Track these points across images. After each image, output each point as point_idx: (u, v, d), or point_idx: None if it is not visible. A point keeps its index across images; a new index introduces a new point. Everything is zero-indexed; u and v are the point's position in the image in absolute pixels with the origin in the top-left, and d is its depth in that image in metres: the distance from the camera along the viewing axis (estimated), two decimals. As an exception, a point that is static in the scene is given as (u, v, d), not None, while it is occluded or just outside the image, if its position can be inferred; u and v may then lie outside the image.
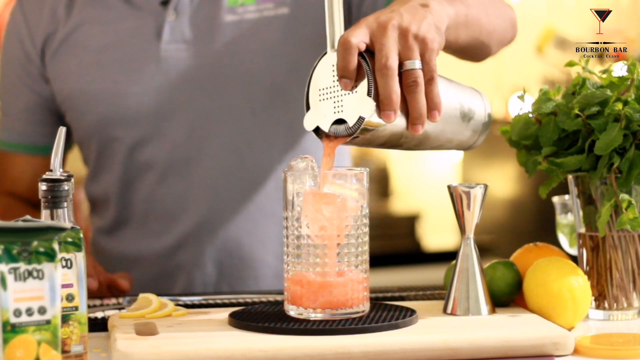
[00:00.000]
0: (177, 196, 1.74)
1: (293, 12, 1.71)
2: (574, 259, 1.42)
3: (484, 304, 1.31)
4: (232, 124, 1.72)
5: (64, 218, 1.17)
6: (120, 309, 1.41)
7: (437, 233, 4.48)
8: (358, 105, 1.22)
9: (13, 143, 1.82)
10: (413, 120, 1.24)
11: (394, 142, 1.29)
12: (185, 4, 1.71)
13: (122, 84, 1.72)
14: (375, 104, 1.21)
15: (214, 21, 1.71)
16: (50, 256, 1.04)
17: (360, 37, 1.22)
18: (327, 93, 1.25)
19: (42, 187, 1.16)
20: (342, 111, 1.23)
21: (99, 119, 1.74)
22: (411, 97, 1.23)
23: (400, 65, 1.23)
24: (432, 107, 1.25)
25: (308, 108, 1.26)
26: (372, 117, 1.21)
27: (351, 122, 1.22)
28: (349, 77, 1.22)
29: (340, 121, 1.24)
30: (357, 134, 1.23)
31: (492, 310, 1.32)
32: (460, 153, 4.56)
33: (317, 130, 1.25)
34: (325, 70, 1.24)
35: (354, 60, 1.22)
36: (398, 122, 1.24)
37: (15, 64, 1.80)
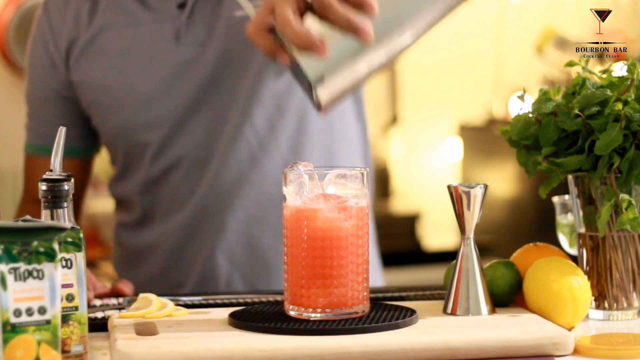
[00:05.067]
0: (196, 192, 1.75)
1: None
2: (574, 259, 1.42)
3: (484, 304, 1.31)
4: (246, 116, 1.73)
5: (64, 218, 1.17)
6: (120, 309, 1.41)
7: (437, 233, 4.47)
8: (302, 72, 1.20)
9: (40, 146, 1.83)
10: (354, 33, 1.17)
11: (385, 62, 1.21)
12: (200, 6, 1.73)
13: (143, 88, 1.74)
14: (304, 62, 1.17)
15: (226, 19, 1.72)
16: (50, 256, 1.04)
17: (259, 19, 1.21)
18: (294, 72, 1.25)
19: (42, 187, 1.16)
20: (307, 82, 1.20)
21: (123, 124, 1.76)
22: (330, 16, 1.17)
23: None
24: (359, 3, 1.17)
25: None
26: (315, 72, 1.18)
27: (314, 87, 1.19)
28: (277, 56, 1.21)
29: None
30: (330, 92, 1.19)
31: (492, 310, 1.32)
32: (460, 153, 4.56)
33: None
34: None
35: (266, 43, 1.21)
36: (352, 49, 1.17)
37: (41, 68, 1.81)
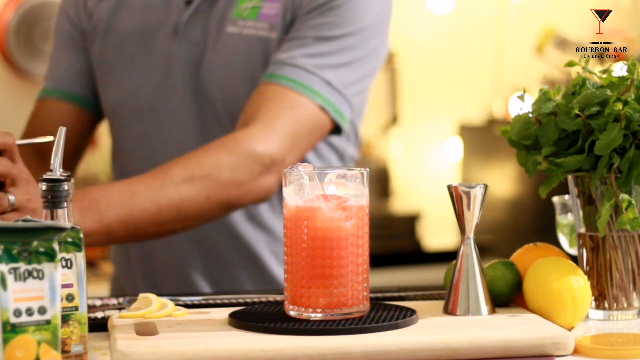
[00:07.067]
0: None
1: (280, 39, 1.72)
2: (574, 259, 1.42)
3: (484, 304, 1.31)
4: (215, 130, 1.74)
5: (64, 218, 1.17)
6: (120, 309, 1.41)
7: (437, 233, 4.46)
8: None
9: (54, 90, 1.85)
10: None
11: None
12: (204, 8, 1.74)
13: (137, 74, 1.77)
14: None
15: (219, 30, 1.74)
16: (50, 256, 1.04)
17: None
18: None
19: (42, 187, 1.16)
20: None
21: (114, 103, 1.80)
22: None
23: None
24: None
25: None
26: None
27: None
28: None
29: None
30: None
31: (492, 310, 1.32)
32: (460, 153, 4.56)
33: None
34: None
35: None
36: None
37: (66, 22, 1.86)
